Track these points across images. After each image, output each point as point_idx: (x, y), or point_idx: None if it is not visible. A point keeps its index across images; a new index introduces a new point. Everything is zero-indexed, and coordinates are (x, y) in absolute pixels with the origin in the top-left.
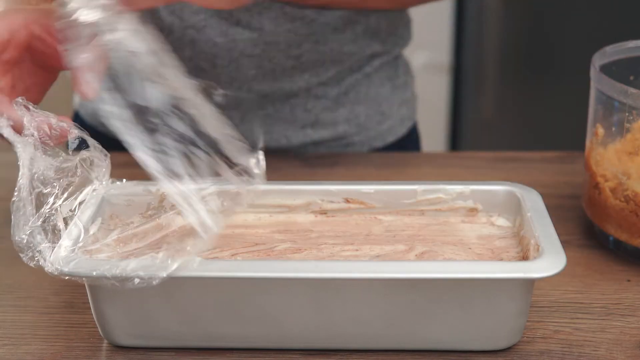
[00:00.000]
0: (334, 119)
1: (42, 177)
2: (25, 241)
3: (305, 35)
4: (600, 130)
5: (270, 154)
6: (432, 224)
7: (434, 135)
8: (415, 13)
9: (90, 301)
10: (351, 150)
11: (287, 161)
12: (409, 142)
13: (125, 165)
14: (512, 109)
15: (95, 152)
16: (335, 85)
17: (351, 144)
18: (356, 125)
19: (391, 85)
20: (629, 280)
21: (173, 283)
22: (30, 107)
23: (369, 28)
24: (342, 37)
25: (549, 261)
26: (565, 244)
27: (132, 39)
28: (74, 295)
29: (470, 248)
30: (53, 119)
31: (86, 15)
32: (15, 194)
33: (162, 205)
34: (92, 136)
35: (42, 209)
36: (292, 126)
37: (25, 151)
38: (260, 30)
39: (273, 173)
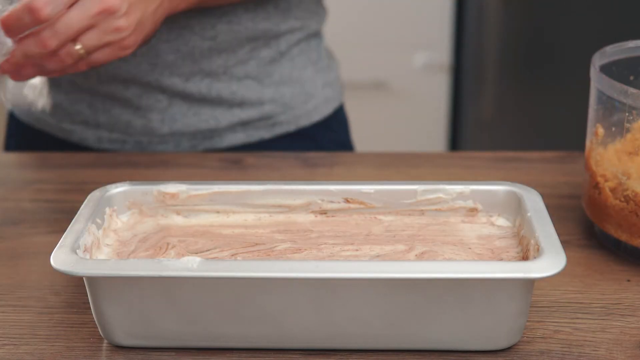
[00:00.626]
0: (260, 99)
1: None
2: None
3: (218, 16)
4: (600, 130)
5: (199, 137)
6: (432, 224)
7: (434, 135)
8: (416, 13)
9: (90, 301)
10: (278, 130)
11: (287, 161)
12: (335, 122)
13: (126, 165)
14: (512, 109)
15: None
16: (255, 66)
17: (278, 124)
18: (282, 104)
19: (314, 69)
20: (629, 280)
21: (173, 283)
22: None
23: (279, 4)
24: (254, 16)
25: (549, 261)
26: (565, 244)
27: None
28: (74, 295)
29: (470, 248)
30: None
31: None
32: None
33: (162, 205)
34: (29, 134)
35: None
36: (219, 107)
37: None
38: (173, 15)
39: (273, 173)
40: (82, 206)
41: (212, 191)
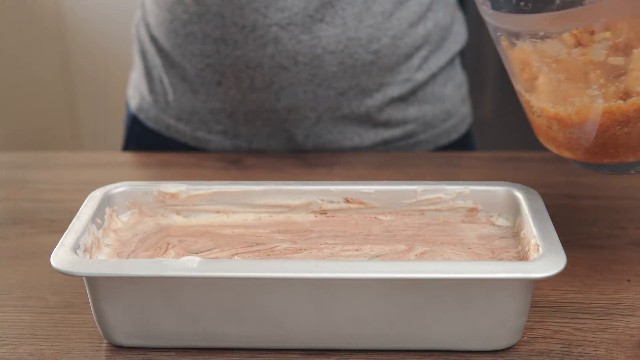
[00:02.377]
0: (405, 118)
1: None
2: None
3: (384, 29)
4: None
5: (345, 153)
6: (432, 224)
7: None
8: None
9: (90, 301)
10: (417, 149)
11: (287, 161)
12: (469, 139)
13: (126, 165)
14: (512, 109)
15: None
16: (409, 86)
17: (418, 143)
18: (423, 123)
19: (453, 85)
20: (629, 280)
21: (173, 283)
22: None
23: (438, 24)
24: (415, 32)
25: (549, 261)
26: (565, 244)
27: None
28: (74, 295)
29: (470, 248)
30: None
31: None
32: None
33: (162, 205)
34: (156, 141)
35: None
36: (365, 125)
37: None
38: (343, 26)
39: (273, 173)
40: (82, 206)
41: (212, 191)
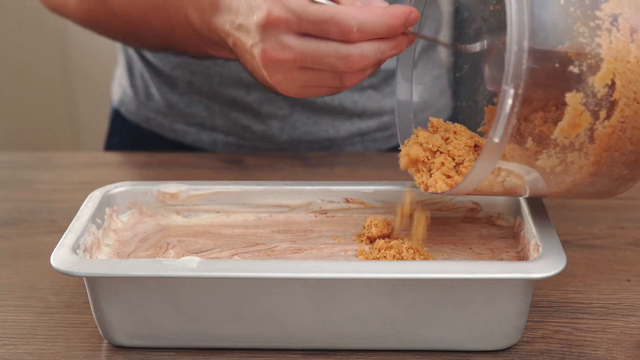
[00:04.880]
0: (380, 109)
1: None
2: None
3: None
4: None
5: (317, 146)
6: (432, 224)
7: None
8: None
9: (90, 301)
10: (395, 141)
11: (287, 161)
12: None
13: (127, 165)
14: None
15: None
16: (381, 76)
17: (395, 135)
18: None
19: (430, 76)
20: (629, 280)
21: (173, 283)
22: None
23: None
24: None
25: (549, 261)
26: (565, 244)
27: None
28: (74, 295)
29: (470, 248)
30: None
31: None
32: None
33: (162, 205)
34: (136, 134)
35: None
36: (339, 116)
37: None
38: None
39: (273, 173)
40: (82, 206)
41: (212, 191)
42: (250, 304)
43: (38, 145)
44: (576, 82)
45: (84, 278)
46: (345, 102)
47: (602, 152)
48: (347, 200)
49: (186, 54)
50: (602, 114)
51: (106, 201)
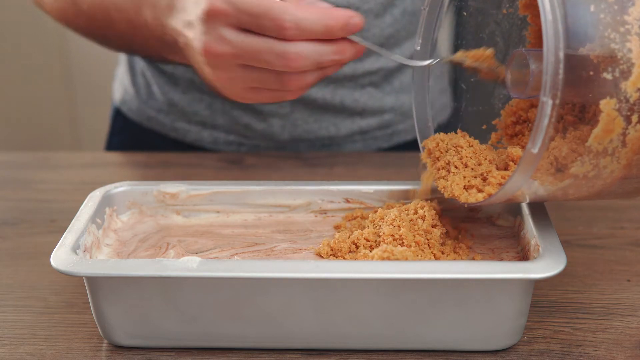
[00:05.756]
0: (381, 107)
1: None
2: None
3: None
4: None
5: (318, 145)
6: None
7: None
8: (415, 13)
9: (90, 301)
10: (396, 140)
11: (287, 161)
12: (450, 130)
13: (127, 165)
14: None
15: None
16: (382, 75)
17: (396, 133)
18: (401, 113)
19: (432, 75)
20: (629, 280)
21: (173, 283)
22: None
23: (406, 10)
24: (382, 22)
25: (549, 261)
26: (565, 244)
27: None
28: (74, 295)
29: (470, 248)
30: None
31: None
32: None
33: (162, 205)
34: (138, 133)
35: None
36: (340, 114)
37: None
38: None
39: (273, 173)
40: (82, 206)
41: (212, 191)
42: (250, 304)
43: (38, 145)
44: (610, 88)
45: (84, 278)
46: (346, 100)
47: (634, 155)
48: (347, 200)
49: (148, 57)
50: (635, 117)
51: (106, 201)
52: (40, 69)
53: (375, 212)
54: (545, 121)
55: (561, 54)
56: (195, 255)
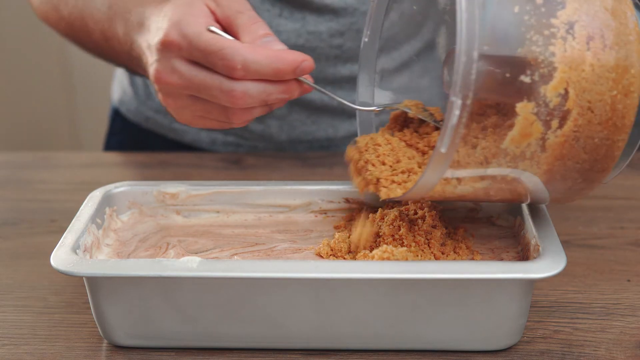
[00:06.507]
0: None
1: None
2: None
3: (347, 24)
4: None
5: (316, 146)
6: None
7: None
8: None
9: (90, 301)
10: None
11: (287, 161)
12: None
13: (127, 165)
14: None
15: None
16: (379, 76)
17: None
18: None
19: (430, 76)
20: (629, 280)
21: (173, 283)
22: None
23: (404, 13)
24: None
25: (549, 261)
26: (565, 244)
27: None
28: (74, 295)
29: (470, 248)
30: None
31: None
32: None
33: (162, 205)
34: (136, 133)
35: None
36: (339, 116)
37: None
38: (302, 20)
39: (273, 173)
40: (82, 206)
41: (212, 191)
42: (250, 304)
43: (38, 145)
44: (527, 91)
45: (84, 278)
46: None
47: (555, 160)
48: (347, 200)
49: (122, 67)
50: (555, 123)
51: (106, 201)
52: (40, 69)
53: (375, 212)
54: (454, 121)
55: (475, 54)
56: (195, 255)
